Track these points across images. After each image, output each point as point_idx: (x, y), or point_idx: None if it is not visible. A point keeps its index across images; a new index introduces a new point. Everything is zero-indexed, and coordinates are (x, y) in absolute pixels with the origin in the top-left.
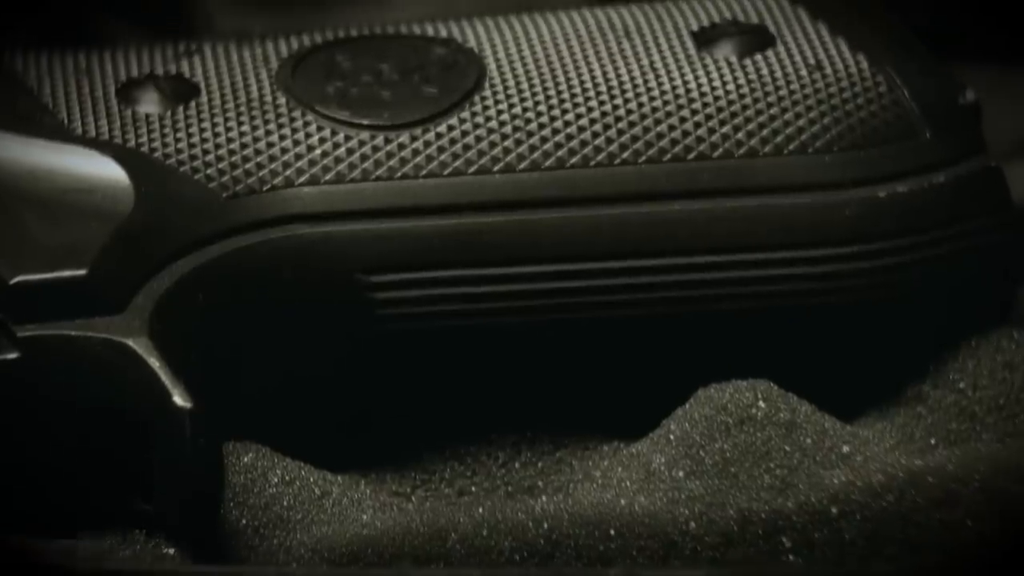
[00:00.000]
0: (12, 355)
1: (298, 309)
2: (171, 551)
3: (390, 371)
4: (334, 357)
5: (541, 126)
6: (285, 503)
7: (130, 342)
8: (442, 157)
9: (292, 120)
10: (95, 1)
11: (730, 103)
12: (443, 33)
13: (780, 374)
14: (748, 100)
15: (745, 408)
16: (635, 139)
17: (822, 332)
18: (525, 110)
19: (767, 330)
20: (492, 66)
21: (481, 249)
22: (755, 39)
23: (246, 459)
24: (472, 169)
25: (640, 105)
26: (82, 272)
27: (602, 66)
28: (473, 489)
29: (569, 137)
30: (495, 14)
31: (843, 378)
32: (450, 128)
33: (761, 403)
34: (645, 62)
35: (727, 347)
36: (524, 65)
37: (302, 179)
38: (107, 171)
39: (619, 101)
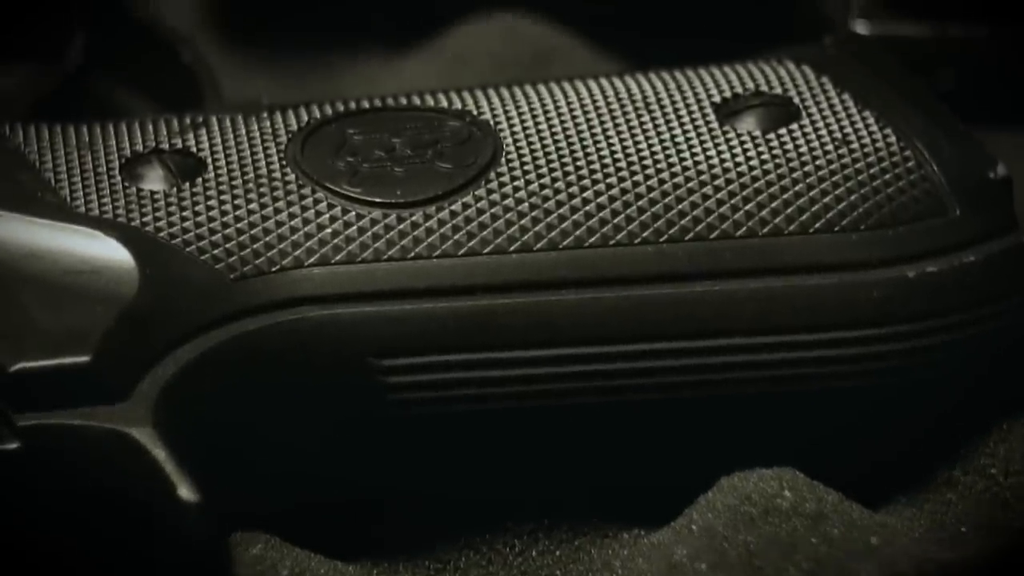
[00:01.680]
0: (12, 445)
1: (308, 394)
2: None
3: (403, 456)
4: (345, 443)
5: (559, 204)
6: None
7: (134, 432)
8: (456, 236)
9: (302, 198)
10: (98, 69)
11: (754, 180)
12: (457, 104)
13: (805, 458)
14: (772, 176)
15: (770, 498)
16: (656, 217)
17: (849, 415)
18: (542, 187)
19: (792, 414)
20: (508, 140)
21: (497, 332)
22: (779, 112)
23: (254, 551)
24: (487, 249)
25: (661, 182)
26: (85, 359)
27: (621, 140)
28: None
29: (588, 215)
30: (510, 82)
31: (871, 462)
32: (464, 206)
33: (787, 492)
34: (666, 136)
35: (750, 431)
36: (541, 139)
37: (312, 259)
38: (110, 252)
39: (639, 178)
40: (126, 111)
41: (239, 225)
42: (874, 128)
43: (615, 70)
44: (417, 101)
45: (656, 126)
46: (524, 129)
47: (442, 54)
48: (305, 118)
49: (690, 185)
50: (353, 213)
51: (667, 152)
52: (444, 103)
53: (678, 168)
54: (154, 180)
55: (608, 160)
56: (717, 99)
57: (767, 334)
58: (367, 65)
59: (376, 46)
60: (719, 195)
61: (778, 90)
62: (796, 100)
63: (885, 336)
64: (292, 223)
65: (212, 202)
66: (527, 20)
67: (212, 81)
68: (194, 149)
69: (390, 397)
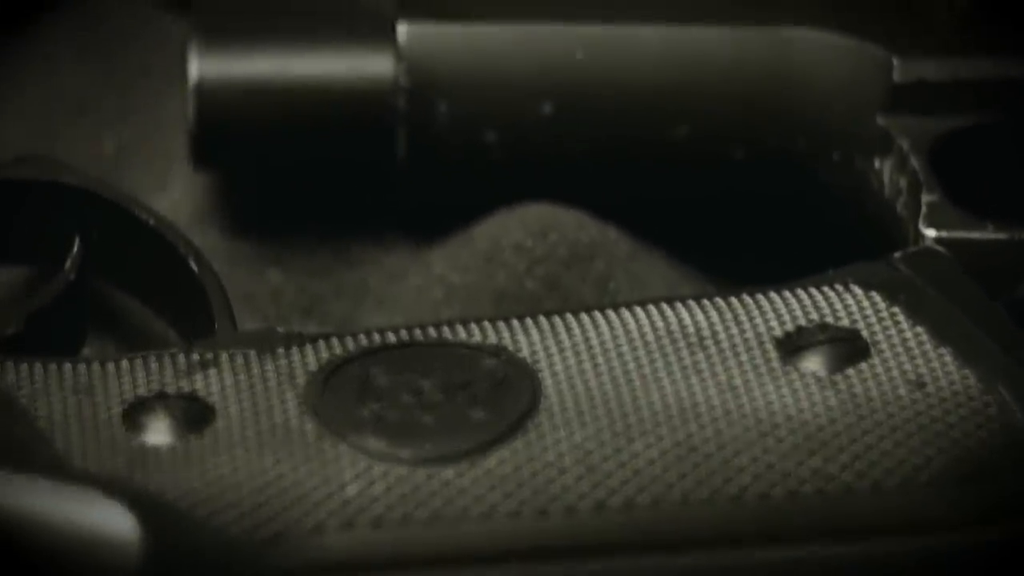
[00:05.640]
0: None
1: None
2: None
3: None
4: None
5: (604, 458)
6: None
7: None
8: (492, 496)
9: (321, 452)
10: (98, 273)
11: (819, 428)
12: (492, 337)
13: None
14: (840, 425)
15: None
16: (711, 473)
17: None
18: (586, 439)
19: None
20: (548, 382)
21: None
22: (847, 349)
23: None
24: (527, 510)
25: (717, 432)
26: None
27: (673, 383)
28: None
29: (636, 471)
30: (549, 311)
31: None
32: (500, 461)
33: None
34: (723, 378)
35: None
36: (584, 381)
37: (333, 523)
38: (111, 516)
39: (692, 427)
40: (126, 314)
41: (252, 484)
42: (951, 369)
43: (660, 268)
44: (448, 333)
45: (712, 366)
46: (565, 369)
47: (471, 247)
48: (324, 355)
49: (748, 436)
50: (378, 470)
51: (723, 398)
52: (477, 335)
53: (735, 416)
54: (159, 431)
55: (658, 407)
56: (778, 333)
57: None
58: (392, 257)
59: (401, 237)
60: (781, 447)
61: (845, 322)
62: (865, 334)
63: None
64: (311, 482)
65: (222, 457)
66: (563, 211)
67: (219, 288)
68: (202, 393)
69: None
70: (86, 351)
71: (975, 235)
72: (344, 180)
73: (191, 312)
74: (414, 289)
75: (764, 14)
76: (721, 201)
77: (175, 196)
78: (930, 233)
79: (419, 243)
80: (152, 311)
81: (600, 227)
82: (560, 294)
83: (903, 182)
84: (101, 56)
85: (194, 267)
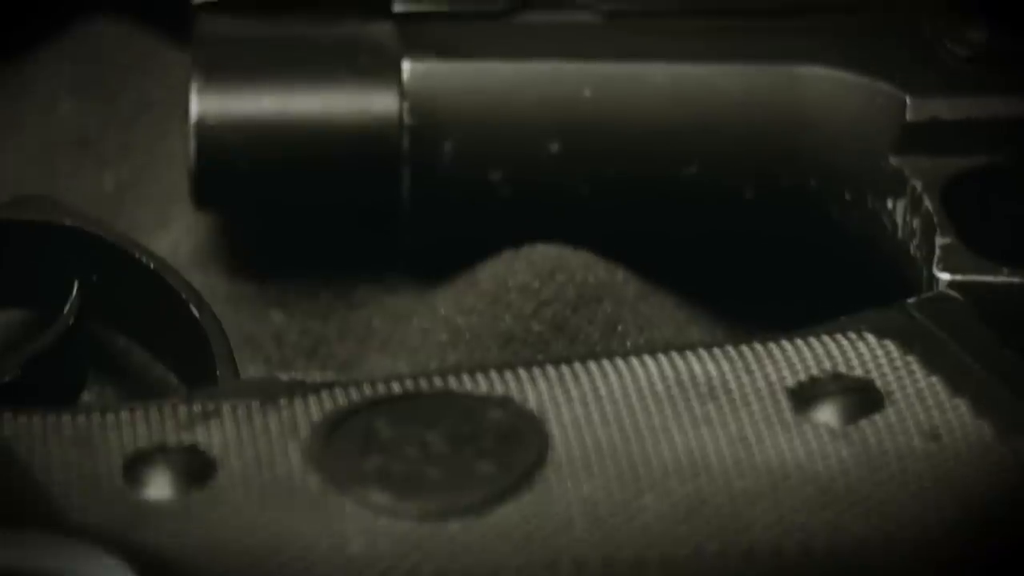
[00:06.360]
0: None
1: None
2: None
3: None
4: None
5: (613, 511)
6: None
7: None
8: (500, 551)
9: (324, 506)
10: (97, 319)
11: (832, 481)
12: (498, 387)
13: None
14: (853, 477)
15: None
16: (723, 527)
17: None
18: (594, 491)
19: None
20: (555, 433)
21: None
22: (860, 399)
23: None
24: (535, 564)
25: (728, 485)
26: None
27: (683, 435)
28: None
29: (645, 525)
30: (557, 359)
31: None
32: (507, 516)
33: None
34: (734, 430)
35: None
36: (593, 433)
37: None
38: (110, 573)
39: (703, 480)
40: (126, 358)
41: (254, 540)
42: (966, 419)
43: (669, 310)
44: (453, 383)
45: (723, 417)
46: (573, 421)
47: (477, 288)
48: (328, 405)
49: (760, 489)
50: (382, 525)
51: (735, 449)
52: (483, 385)
53: (747, 468)
54: (159, 485)
55: (668, 459)
56: (791, 383)
57: None
58: (396, 298)
59: (406, 278)
60: (793, 500)
61: (858, 371)
62: (879, 384)
63: None
64: (315, 537)
65: (224, 512)
66: (570, 252)
67: (221, 333)
68: (204, 446)
69: None
70: (85, 396)
71: (990, 279)
72: (347, 220)
73: (192, 356)
74: (419, 331)
75: (775, 52)
76: (731, 242)
77: (176, 234)
78: (944, 277)
79: (424, 284)
80: (152, 355)
81: (608, 268)
82: (567, 336)
83: (916, 223)
84: (101, 92)
85: (195, 312)
